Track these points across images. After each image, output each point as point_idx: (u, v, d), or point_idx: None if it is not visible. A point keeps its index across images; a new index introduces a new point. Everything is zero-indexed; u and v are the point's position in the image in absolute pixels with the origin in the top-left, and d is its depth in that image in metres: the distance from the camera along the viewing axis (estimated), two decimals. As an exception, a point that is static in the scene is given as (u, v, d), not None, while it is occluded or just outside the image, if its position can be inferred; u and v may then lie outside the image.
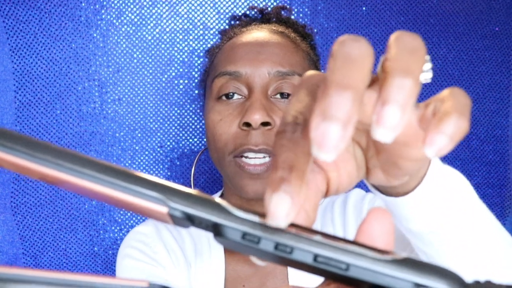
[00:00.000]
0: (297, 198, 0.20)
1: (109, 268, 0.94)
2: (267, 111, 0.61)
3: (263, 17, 0.76)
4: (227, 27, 0.82)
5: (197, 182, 0.95)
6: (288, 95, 0.63)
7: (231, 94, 0.63)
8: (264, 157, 0.61)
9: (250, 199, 0.65)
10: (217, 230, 0.20)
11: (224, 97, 0.64)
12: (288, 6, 0.82)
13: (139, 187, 0.20)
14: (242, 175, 0.62)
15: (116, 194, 0.20)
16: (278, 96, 0.63)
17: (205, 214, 0.20)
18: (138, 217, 0.94)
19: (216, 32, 0.91)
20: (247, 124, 0.60)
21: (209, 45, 0.91)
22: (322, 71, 0.75)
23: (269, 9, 0.79)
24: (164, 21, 0.89)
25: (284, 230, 0.20)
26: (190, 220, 0.21)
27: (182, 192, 0.21)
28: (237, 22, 0.78)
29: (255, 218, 0.20)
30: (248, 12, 0.80)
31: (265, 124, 0.61)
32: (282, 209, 0.19)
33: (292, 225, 0.21)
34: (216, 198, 0.21)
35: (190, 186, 0.96)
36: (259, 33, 0.66)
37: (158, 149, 0.93)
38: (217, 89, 0.64)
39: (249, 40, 0.65)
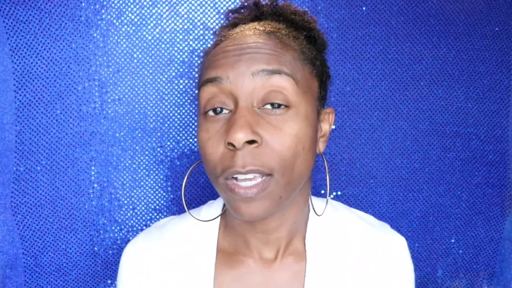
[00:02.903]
0: None
1: (109, 268, 0.94)
2: (252, 127, 0.55)
3: (257, 10, 0.70)
4: (223, 23, 0.78)
5: (197, 182, 0.95)
6: (279, 105, 0.57)
7: (219, 109, 0.58)
8: (254, 177, 0.56)
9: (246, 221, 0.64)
10: None
11: (211, 112, 0.59)
12: None
13: None
14: (235, 198, 0.57)
15: None
16: (268, 106, 0.57)
17: None
18: (138, 218, 0.94)
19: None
20: (232, 144, 0.55)
21: (209, 45, 0.91)
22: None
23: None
24: (164, 21, 0.89)
25: None
26: None
27: None
28: (235, 15, 0.73)
29: None
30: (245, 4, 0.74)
31: (250, 142, 0.55)
32: None
33: None
34: None
35: (190, 187, 0.96)
36: (242, 37, 0.61)
37: (158, 149, 0.93)
38: (203, 102, 0.60)
39: (231, 45, 0.60)
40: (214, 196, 0.94)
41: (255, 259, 0.68)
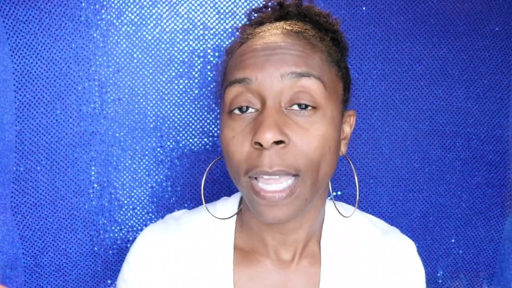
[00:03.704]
0: None
1: (109, 268, 0.94)
2: (280, 127, 0.55)
3: (281, 10, 0.70)
4: (246, 21, 0.77)
5: (197, 182, 0.95)
6: (306, 106, 0.57)
7: (244, 108, 0.58)
8: (280, 178, 0.56)
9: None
10: None
11: (236, 111, 0.58)
12: None
13: None
14: (260, 201, 0.57)
15: None
16: (295, 107, 0.57)
17: None
18: (138, 217, 0.94)
19: (216, 32, 0.91)
20: (259, 144, 0.55)
21: (209, 45, 0.91)
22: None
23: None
24: (164, 21, 0.89)
25: None
26: None
27: None
28: (256, 15, 0.72)
29: None
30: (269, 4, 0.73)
31: (278, 142, 0.55)
32: None
33: None
34: None
35: (190, 187, 0.96)
36: (270, 36, 0.60)
37: (158, 149, 0.93)
38: (229, 101, 0.59)
39: (260, 44, 0.59)
40: (214, 196, 0.94)
41: (272, 260, 0.67)
